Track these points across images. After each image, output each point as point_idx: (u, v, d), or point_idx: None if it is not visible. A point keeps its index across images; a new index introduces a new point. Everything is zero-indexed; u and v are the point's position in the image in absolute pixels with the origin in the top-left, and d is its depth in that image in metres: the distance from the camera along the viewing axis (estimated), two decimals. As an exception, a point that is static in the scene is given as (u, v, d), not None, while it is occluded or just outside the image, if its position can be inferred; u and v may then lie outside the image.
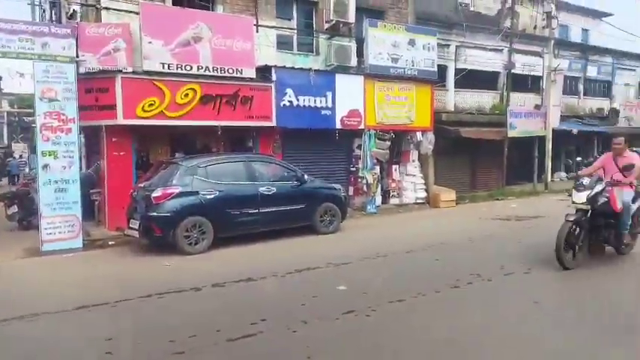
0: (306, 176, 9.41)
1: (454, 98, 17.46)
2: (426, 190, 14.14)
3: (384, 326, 4.53)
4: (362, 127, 12.47)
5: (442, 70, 16.39)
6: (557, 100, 18.09)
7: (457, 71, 17.16)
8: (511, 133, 16.98)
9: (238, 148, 11.32)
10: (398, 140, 13.68)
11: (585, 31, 24.65)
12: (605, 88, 23.93)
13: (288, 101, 11.26)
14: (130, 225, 8.30)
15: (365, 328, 4.51)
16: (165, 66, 9.80)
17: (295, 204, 9.05)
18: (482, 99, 18.39)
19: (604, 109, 23.39)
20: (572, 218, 5.91)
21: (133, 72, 9.67)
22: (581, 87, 22.60)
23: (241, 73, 10.50)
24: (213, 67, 10.24)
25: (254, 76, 10.77)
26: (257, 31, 11.28)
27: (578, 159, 20.51)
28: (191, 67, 10.03)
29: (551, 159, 18.20)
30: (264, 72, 11.06)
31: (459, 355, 3.87)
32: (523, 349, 3.88)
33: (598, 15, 25.10)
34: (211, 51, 10.20)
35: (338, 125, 12.10)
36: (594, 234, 6.30)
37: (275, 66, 11.21)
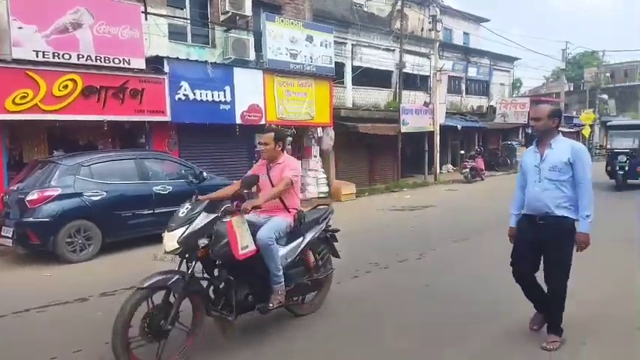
0: (205, 173, 8.99)
1: (352, 95, 18.06)
2: (328, 185, 14.48)
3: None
4: (263, 122, 12.31)
5: (340, 67, 16.86)
6: (443, 98, 19.60)
7: (354, 69, 17.78)
8: (404, 129, 18.01)
9: (129, 145, 10.54)
10: (299, 136, 13.79)
11: (466, 34, 27.00)
12: (483, 88, 26.48)
13: (184, 95, 10.72)
14: (2, 233, 7.28)
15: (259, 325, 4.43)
16: (40, 54, 8.75)
17: (194, 203, 8.64)
18: (378, 96, 19.28)
19: (483, 106, 25.90)
20: (146, 284, 3.26)
21: (1, 61, 8.52)
22: (463, 86, 24.75)
23: (129, 64, 9.75)
24: (96, 57, 9.37)
25: (144, 67, 10.08)
26: (146, 19, 10.57)
27: (462, 152, 22.45)
28: (70, 56, 9.07)
29: (439, 152, 19.67)
30: (155, 63, 10.41)
31: (358, 335, 3.95)
32: (419, 331, 4.08)
33: (477, 20, 27.64)
34: (93, 39, 9.33)
35: (238, 120, 11.83)
36: (218, 298, 3.70)
37: (167, 57, 10.61)
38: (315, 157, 14.22)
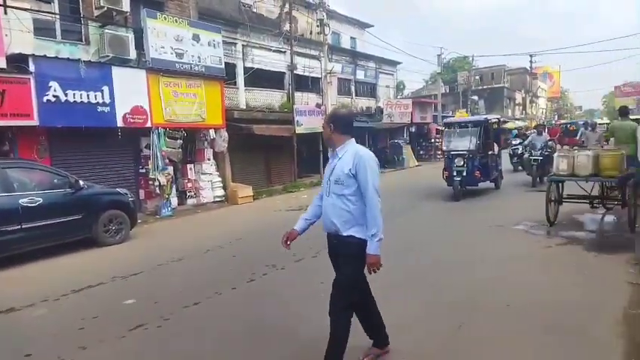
0: (81, 182, 8.18)
1: (245, 96, 17.81)
2: (224, 188, 14.09)
3: (177, 335, 4.21)
4: (149, 125, 11.58)
5: (231, 68, 16.53)
6: (334, 99, 20.24)
7: (246, 70, 17.54)
8: (298, 130, 18.21)
9: (-11, 153, 9.23)
10: (191, 139, 13.23)
11: (353, 39, 28.18)
12: (371, 90, 27.84)
13: (54, 96, 9.63)
14: None
15: (155, 340, 4.12)
16: None
17: (70, 215, 7.79)
18: (272, 97, 19.25)
19: (371, 107, 27.22)
20: None
21: None
22: (352, 88, 25.77)
23: (-16, 62, 8.53)
24: (-60, 53, 8.04)
25: (4, 67, 8.89)
26: (5, 13, 9.33)
27: (355, 151, 23.33)
28: None
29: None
30: (18, 62, 9.22)
31: (252, 344, 3.85)
32: (314, 328, 4.09)
33: (362, 26, 28.98)
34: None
35: (120, 123, 10.95)
36: None
37: (33, 55, 9.46)
38: (209, 160, 13.74)
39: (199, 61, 12.79)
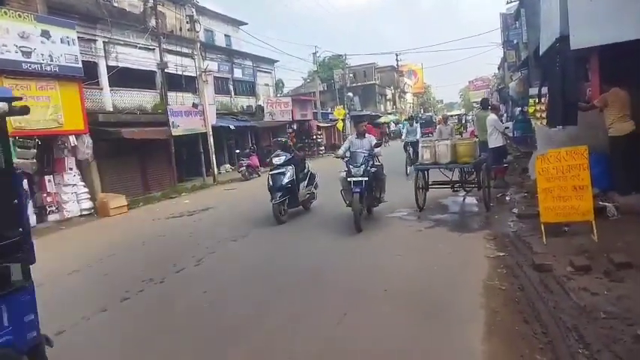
0: None
1: (111, 98, 16.39)
2: (93, 200, 12.80)
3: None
4: (-9, 134, 9.99)
5: (92, 67, 15.11)
6: (212, 98, 19.61)
7: (109, 69, 16.13)
8: (175, 132, 17.31)
9: None
10: (47, 147, 11.75)
11: (228, 37, 27.62)
12: (250, 88, 27.61)
13: None
14: None
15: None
16: None
17: None
18: (143, 98, 18.00)
19: (252, 106, 27.01)
20: None
21: None
22: (231, 87, 25.30)
23: None
24: None
25: None
26: None
27: (237, 151, 22.96)
28: None
29: (215, 153, 19.62)
30: None
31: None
32: (196, 343, 3.86)
33: (236, 23, 28.55)
34: None
35: (-47, 134, 9.27)
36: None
37: None
38: (71, 169, 12.35)
39: (51, 60, 11.40)
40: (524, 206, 7.39)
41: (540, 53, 8.69)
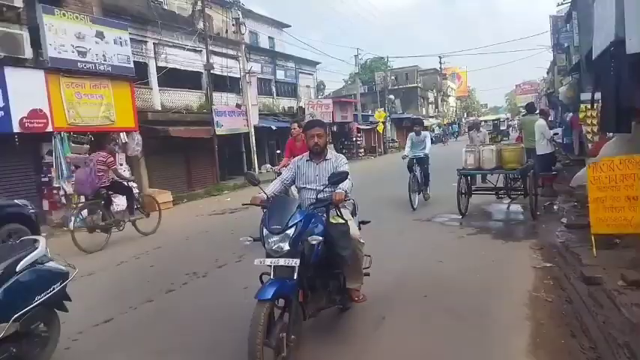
0: (-30, 195, 7.31)
1: (160, 97, 16.99)
2: (140, 194, 13.29)
3: (86, 354, 3.88)
4: (50, 129, 10.63)
5: (143, 67, 15.70)
6: (255, 99, 19.95)
7: (159, 69, 16.73)
8: (219, 131, 17.75)
9: None
10: (99, 143, 12.29)
11: (271, 39, 28.04)
12: (292, 90, 27.91)
13: None
14: None
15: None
16: None
17: (-44, 233, 6.91)
18: (189, 98, 18.55)
19: (293, 107, 27.30)
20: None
21: None
22: (273, 88, 25.65)
23: None
24: None
25: None
26: None
27: (278, 151, 23.25)
28: None
29: (256, 153, 19.96)
30: None
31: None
32: (236, 334, 3.95)
33: (280, 26, 28.94)
34: None
35: (17, 129, 9.96)
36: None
37: None
38: (122, 165, 12.89)
39: (105, 60, 11.96)
40: (573, 216, 7.10)
41: (593, 57, 8.34)
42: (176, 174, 16.79)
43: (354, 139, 31.06)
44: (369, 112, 37.64)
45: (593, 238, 5.10)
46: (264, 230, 3.22)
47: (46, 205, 10.93)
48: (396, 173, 17.78)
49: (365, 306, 4.38)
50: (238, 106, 19.36)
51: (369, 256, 4.14)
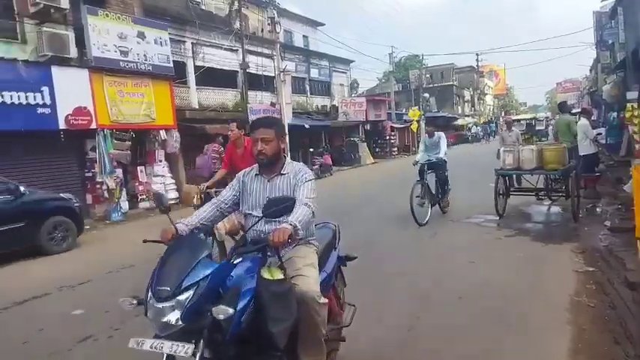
0: (22, 188, 7.71)
1: (197, 96, 17.39)
2: (178, 190, 13.69)
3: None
4: (93, 126, 11.08)
5: (181, 66, 16.10)
6: (289, 98, 20.10)
7: (196, 68, 17.12)
8: (253, 129, 17.97)
9: None
10: (140, 140, 12.76)
11: (305, 37, 28.17)
12: (325, 88, 27.95)
13: (-12, 98, 9.02)
14: None
15: (105, 352, 3.91)
16: None
17: (10, 223, 7.32)
18: (225, 96, 18.91)
19: (327, 105, 27.35)
20: None
21: None
22: (307, 86, 25.78)
23: None
24: None
25: None
26: None
27: (311, 149, 23.37)
28: None
29: (290, 151, 20.09)
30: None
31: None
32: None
33: (314, 24, 29.03)
34: None
35: (62, 125, 10.42)
36: None
37: (-38, 53, 8.81)
38: (161, 161, 13.31)
39: (145, 60, 12.35)
40: (617, 219, 6.82)
41: (640, 55, 7.97)
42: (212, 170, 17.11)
43: (388, 137, 30.84)
44: (403, 111, 37.25)
45: (638, 242, 4.89)
46: (148, 292, 2.04)
47: (89, 199, 11.41)
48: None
49: (396, 304, 4.37)
50: (272, 104, 19.57)
51: (353, 305, 3.23)
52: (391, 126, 31.45)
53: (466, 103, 55.72)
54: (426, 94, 41.86)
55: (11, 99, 9.44)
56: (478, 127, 49.93)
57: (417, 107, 36.31)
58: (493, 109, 69.44)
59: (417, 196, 7.63)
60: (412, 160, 8.91)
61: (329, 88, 28.10)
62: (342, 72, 29.92)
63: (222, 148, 10.19)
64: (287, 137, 19.40)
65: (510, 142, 9.84)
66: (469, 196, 10.11)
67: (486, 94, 66.16)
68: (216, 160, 10.55)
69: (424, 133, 9.39)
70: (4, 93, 9.31)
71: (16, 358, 3.88)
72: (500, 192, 8.04)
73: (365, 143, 27.58)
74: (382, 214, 9.30)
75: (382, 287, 4.96)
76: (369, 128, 29.00)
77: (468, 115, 52.65)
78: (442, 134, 8.68)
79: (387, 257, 6.22)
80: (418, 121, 34.51)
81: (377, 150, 30.30)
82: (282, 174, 2.66)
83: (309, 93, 25.93)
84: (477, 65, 55.19)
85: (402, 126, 33.81)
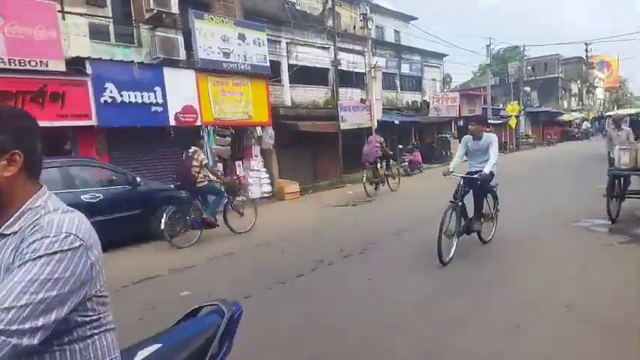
0: (138, 179, 8.57)
1: (290, 93, 17.96)
2: (271, 184, 14.30)
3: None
4: (199, 123, 11.94)
5: (276, 65, 16.70)
6: (379, 94, 19.97)
7: (290, 67, 17.68)
8: (343, 126, 18.17)
9: (54, 152, 9.77)
10: (238, 136, 13.50)
11: (397, 32, 27.74)
12: (416, 83, 27.32)
13: (110, 97, 10.13)
14: None
15: (210, 332, 4.23)
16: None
17: (128, 210, 8.17)
18: (316, 94, 19.31)
19: (417, 101, 26.73)
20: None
21: None
22: (397, 82, 25.39)
23: (47, 66, 9.04)
24: (9, 59, 8.61)
25: (64, 69, 9.40)
26: (63, 19, 9.88)
27: (400, 146, 23.02)
28: (-20, 60, 8.29)
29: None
30: (76, 65, 9.74)
31: (304, 340, 3.87)
32: (364, 323, 4.06)
33: (406, 19, 28.47)
34: (5, 40, 8.56)
35: (172, 122, 11.36)
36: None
37: (89, 58, 9.97)
38: (256, 157, 14.00)
39: (245, 60, 13.02)
40: None
41: None
42: (303, 166, 17.63)
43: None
44: (500, 106, 35.22)
45: None
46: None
47: (193, 190, 12.33)
48: (528, 174, 16.44)
49: (494, 310, 4.19)
50: (362, 101, 19.58)
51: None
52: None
53: (573, 97, 51.15)
54: (527, 88, 39.12)
55: (129, 98, 10.48)
56: (588, 123, 45.65)
57: (517, 102, 34.13)
58: (604, 103, 62.94)
59: (444, 232, 5.50)
60: (512, 157, 8.35)
61: (420, 83, 27.44)
62: (435, 66, 29.03)
63: (382, 139, 14.74)
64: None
65: (619, 142, 8.49)
66: (574, 198, 9.31)
67: (596, 87, 60.14)
68: (377, 149, 13.88)
69: (466, 136, 6.57)
70: (123, 93, 10.37)
71: (133, 332, 4.32)
72: (614, 194, 7.30)
73: (457, 140, 26.51)
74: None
75: (484, 291, 4.78)
76: (461, 124, 27.85)
77: (575, 110, 48.33)
78: (494, 136, 6.26)
79: (486, 261, 5.96)
80: (517, 117, 32.45)
81: (469, 147, 28.96)
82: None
83: (399, 89, 25.55)
84: (586, 56, 50.37)
85: (498, 122, 31.96)
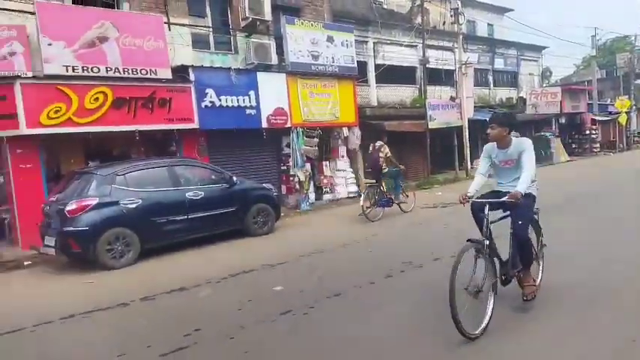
0: (234, 178, 9.12)
1: (376, 93, 17.92)
2: (357, 184, 14.40)
3: (322, 322, 4.44)
4: (289, 125, 12.39)
5: (362, 66, 16.75)
6: (470, 91, 19.16)
7: (377, 67, 17.64)
8: (431, 125, 17.73)
9: (160, 153, 10.76)
10: (326, 137, 13.78)
11: (490, 25, 26.41)
12: (512, 79, 25.81)
13: (210, 102, 10.91)
14: (45, 242, 7.55)
15: (303, 327, 4.40)
16: (70, 69, 9.07)
17: (225, 207, 8.73)
18: (403, 93, 19.06)
19: (513, 98, 25.25)
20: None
21: (34, 77, 8.88)
22: (490, 78, 24.19)
23: (156, 74, 9.99)
24: (123, 69, 9.64)
25: (170, 77, 10.30)
26: (169, 30, 10.80)
27: (493, 145, 21.88)
28: (99, 69, 9.39)
29: (469, 147, 19.23)
30: (181, 72, 10.62)
31: (396, 341, 3.88)
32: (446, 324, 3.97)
33: (500, 11, 27.01)
34: (120, 51, 9.59)
35: (264, 124, 11.92)
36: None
37: (192, 66, 10.80)
38: (343, 157, 14.18)
39: (333, 62, 13.27)
40: None
41: None
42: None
43: (588, 132, 26.96)
44: (608, 101, 32.07)
45: None
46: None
47: (283, 189, 12.84)
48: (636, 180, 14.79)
49: (602, 322, 3.86)
50: (452, 99, 18.95)
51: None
52: (592, 119, 27.39)
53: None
54: (639, 81, 35.18)
55: (226, 102, 11.20)
56: None
57: (627, 97, 30.87)
58: None
59: (465, 287, 3.71)
60: (622, 157, 7.57)
61: (516, 78, 25.87)
62: (533, 60, 27.19)
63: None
64: (467, 132, 18.61)
65: None
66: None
67: None
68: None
69: (488, 144, 4.59)
70: (221, 97, 11.10)
71: (233, 321, 4.63)
72: None
73: (559, 138, 24.63)
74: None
75: (589, 305, 4.44)
76: (564, 121, 25.80)
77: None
78: (527, 142, 4.39)
79: (592, 267, 5.50)
80: (628, 113, 29.36)
81: (573, 146, 26.78)
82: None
83: (492, 85, 24.31)
84: None
85: (606, 119, 29.14)
